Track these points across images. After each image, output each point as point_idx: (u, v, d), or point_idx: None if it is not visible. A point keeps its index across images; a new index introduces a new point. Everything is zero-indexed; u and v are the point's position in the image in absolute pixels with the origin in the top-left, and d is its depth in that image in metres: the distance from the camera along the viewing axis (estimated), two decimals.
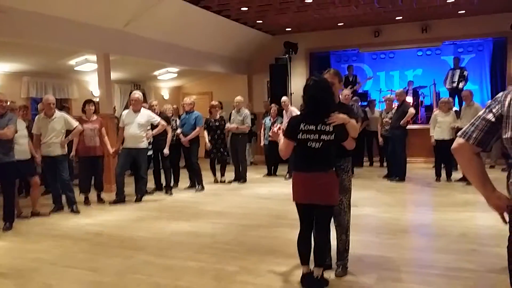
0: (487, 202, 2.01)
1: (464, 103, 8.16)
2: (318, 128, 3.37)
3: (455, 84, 10.80)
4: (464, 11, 10.27)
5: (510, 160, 1.87)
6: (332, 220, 3.71)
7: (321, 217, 3.53)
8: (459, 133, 2.00)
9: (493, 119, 1.88)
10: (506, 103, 1.85)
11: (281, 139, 3.59)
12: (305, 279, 3.56)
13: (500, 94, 1.93)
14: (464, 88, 9.97)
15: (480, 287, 3.53)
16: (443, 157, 8.29)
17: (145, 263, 4.26)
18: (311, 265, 3.57)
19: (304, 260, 3.59)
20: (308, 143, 3.40)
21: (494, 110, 1.89)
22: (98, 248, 4.81)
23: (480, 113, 1.95)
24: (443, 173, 8.36)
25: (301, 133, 3.41)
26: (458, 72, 10.87)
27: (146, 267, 4.17)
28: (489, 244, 4.51)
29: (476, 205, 6.34)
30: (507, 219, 1.95)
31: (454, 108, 9.11)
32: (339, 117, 3.36)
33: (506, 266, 3.53)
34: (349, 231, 3.84)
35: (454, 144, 2.00)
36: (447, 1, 9.28)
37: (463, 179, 8.02)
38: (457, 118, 8.19)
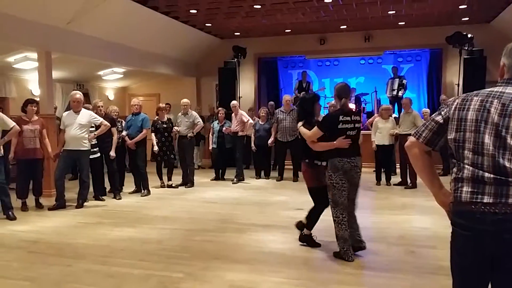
0: (435, 198, 2.16)
1: (403, 110, 8.57)
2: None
3: (395, 92, 11.32)
4: (404, 23, 10.80)
5: (454, 159, 2.01)
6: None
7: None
8: (413, 132, 2.17)
9: (441, 121, 2.04)
10: (453, 107, 2.00)
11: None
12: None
13: (451, 99, 2.10)
14: (404, 96, 10.47)
15: (417, 287, 3.70)
16: (383, 161, 8.66)
17: (86, 272, 4.12)
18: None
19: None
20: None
21: (442, 113, 2.05)
22: (34, 257, 4.58)
23: (433, 115, 2.12)
24: (383, 177, 8.72)
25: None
26: (397, 80, 11.41)
27: (86, 275, 4.03)
28: (426, 245, 4.77)
29: (413, 208, 6.69)
30: None
31: (394, 115, 9.55)
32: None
33: (442, 266, 3.76)
34: None
35: (407, 143, 2.18)
36: (389, 12, 9.73)
37: (402, 183, 8.43)
38: (396, 125, 8.58)
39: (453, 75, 11.17)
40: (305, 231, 4.83)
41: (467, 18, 10.29)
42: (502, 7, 9.27)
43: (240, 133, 9.34)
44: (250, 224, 5.79)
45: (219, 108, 9.84)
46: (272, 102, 11.31)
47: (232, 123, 9.46)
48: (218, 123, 9.37)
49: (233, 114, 9.54)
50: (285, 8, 9.27)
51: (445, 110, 2.04)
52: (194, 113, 8.89)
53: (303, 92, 12.06)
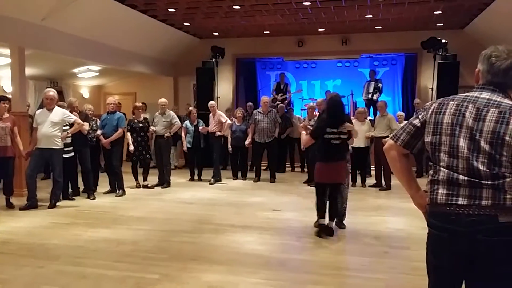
0: (412, 200, 2.20)
1: (378, 113, 8.70)
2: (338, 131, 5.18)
3: (370, 95, 11.49)
4: (380, 27, 10.98)
5: (430, 162, 2.06)
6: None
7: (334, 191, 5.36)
8: (391, 135, 2.21)
9: (419, 124, 2.09)
10: (430, 110, 2.05)
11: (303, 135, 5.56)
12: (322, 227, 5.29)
13: (428, 103, 2.15)
14: (379, 99, 10.63)
15: (392, 287, 3.76)
16: (358, 163, 8.76)
17: (59, 273, 4.03)
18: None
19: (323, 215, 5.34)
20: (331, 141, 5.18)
21: (420, 117, 2.09)
22: (5, 258, 4.46)
23: (411, 118, 2.16)
24: (358, 179, 8.83)
25: (327, 134, 5.17)
26: (373, 84, 11.58)
27: (59, 277, 3.94)
28: (400, 246, 4.85)
29: (387, 209, 6.79)
30: None
31: (369, 118, 9.68)
32: (349, 126, 5.27)
33: (416, 267, 3.84)
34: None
35: (386, 145, 2.22)
36: (366, 16, 9.87)
37: (377, 185, 8.56)
38: (372, 127, 8.69)
39: (427, 79, 11.42)
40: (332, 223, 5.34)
41: (441, 24, 10.53)
42: (475, 14, 9.53)
43: (217, 134, 9.30)
44: (227, 225, 5.78)
45: (190, 108, 9.77)
46: (250, 103, 11.31)
47: (210, 124, 9.41)
48: (191, 123, 9.25)
49: (210, 114, 9.49)
50: (264, 10, 9.30)
51: (423, 113, 2.08)
52: (172, 113, 8.81)
53: (281, 94, 12.13)
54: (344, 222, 5.70)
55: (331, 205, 5.32)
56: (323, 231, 5.22)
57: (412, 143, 2.12)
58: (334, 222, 5.36)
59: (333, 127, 5.16)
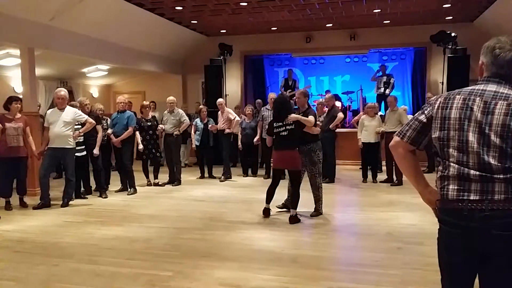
0: (421, 197, 2.17)
1: (389, 108, 8.64)
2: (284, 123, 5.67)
3: (381, 90, 11.41)
4: (389, 21, 10.89)
5: (438, 158, 2.03)
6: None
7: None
8: (397, 132, 2.17)
9: (425, 120, 2.05)
10: (436, 105, 2.02)
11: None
12: (266, 211, 5.95)
13: (433, 98, 2.11)
14: (390, 94, 10.56)
15: (406, 283, 3.73)
16: (369, 159, 8.73)
17: (73, 271, 4.07)
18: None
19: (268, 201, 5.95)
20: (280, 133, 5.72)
21: (426, 112, 2.06)
22: (20, 256, 4.51)
23: (416, 114, 2.13)
24: (369, 175, 8.79)
25: (275, 128, 5.74)
26: (384, 78, 11.50)
27: (74, 275, 3.98)
28: (413, 242, 4.81)
29: (399, 205, 6.75)
30: None
31: (380, 113, 9.63)
32: (292, 116, 5.63)
33: (430, 262, 3.80)
34: (321, 189, 6.10)
35: (392, 142, 2.18)
36: (374, 11, 9.79)
37: (388, 180, 8.52)
38: (382, 122, 8.65)
39: (437, 73, 11.31)
40: (294, 212, 5.74)
41: (451, 17, 10.42)
42: (485, 6, 9.41)
43: (226, 131, 9.30)
44: (238, 221, 5.79)
45: (201, 106, 9.77)
46: (259, 100, 11.29)
47: (218, 121, 9.41)
48: (201, 121, 9.25)
49: (219, 112, 9.49)
50: (271, 6, 9.26)
51: (428, 109, 2.05)
52: (181, 111, 8.82)
53: (289, 90, 12.11)
54: (357, 218, 5.67)
55: (292, 194, 5.83)
56: (265, 214, 5.90)
57: (418, 139, 2.08)
58: (295, 211, 5.72)
59: (279, 121, 5.70)
